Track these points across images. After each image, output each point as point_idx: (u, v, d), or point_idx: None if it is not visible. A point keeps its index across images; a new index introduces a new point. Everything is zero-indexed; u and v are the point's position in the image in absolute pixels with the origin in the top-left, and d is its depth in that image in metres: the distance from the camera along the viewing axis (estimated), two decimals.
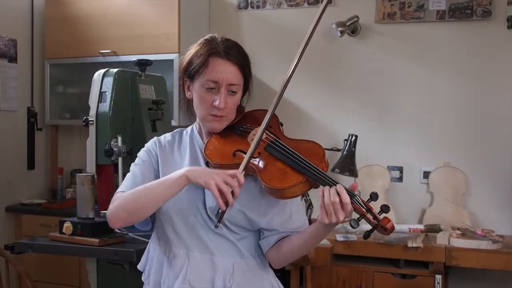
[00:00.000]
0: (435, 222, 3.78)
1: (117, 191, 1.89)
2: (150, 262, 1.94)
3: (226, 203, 1.64)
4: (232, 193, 1.64)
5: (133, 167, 1.94)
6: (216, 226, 1.72)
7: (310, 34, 1.85)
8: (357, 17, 4.13)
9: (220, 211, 1.68)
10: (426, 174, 4.06)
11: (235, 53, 1.83)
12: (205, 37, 1.88)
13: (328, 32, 4.19)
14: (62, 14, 4.51)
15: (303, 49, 1.85)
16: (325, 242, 3.50)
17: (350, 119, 4.23)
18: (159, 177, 1.87)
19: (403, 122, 4.14)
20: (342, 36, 4.12)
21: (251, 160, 1.77)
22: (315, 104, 4.34)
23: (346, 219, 1.67)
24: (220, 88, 1.80)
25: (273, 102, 1.80)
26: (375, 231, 1.69)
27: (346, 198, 1.64)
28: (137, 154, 1.98)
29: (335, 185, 1.67)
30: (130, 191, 1.80)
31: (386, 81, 4.17)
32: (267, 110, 1.83)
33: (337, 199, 1.63)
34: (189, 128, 1.99)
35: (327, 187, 1.67)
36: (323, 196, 1.66)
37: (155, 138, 1.99)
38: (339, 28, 4.06)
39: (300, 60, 1.84)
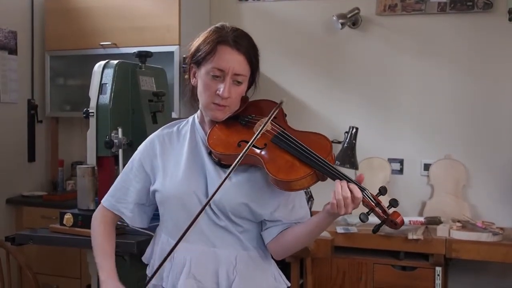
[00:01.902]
0: (436, 214, 3.79)
1: (102, 201, 2.03)
2: (154, 254, 1.95)
3: None
4: None
5: (122, 174, 2.01)
6: None
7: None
8: (358, 9, 4.12)
9: None
10: (426, 167, 4.07)
11: (245, 43, 1.81)
12: (215, 25, 1.87)
13: (328, 24, 4.18)
14: (62, 5, 4.50)
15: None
16: (325, 234, 3.50)
17: (351, 111, 4.23)
18: (152, 176, 1.92)
19: (403, 115, 4.13)
20: (342, 28, 4.10)
21: (257, 151, 1.76)
22: (316, 96, 4.33)
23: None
24: (225, 77, 1.78)
25: (279, 101, 1.81)
26: (384, 225, 1.70)
27: (358, 193, 1.64)
28: (132, 157, 2.01)
29: (345, 179, 1.67)
30: (94, 235, 2.02)
31: (387, 73, 4.17)
32: (271, 101, 1.83)
33: (349, 194, 1.64)
34: (190, 118, 1.98)
35: (337, 181, 1.67)
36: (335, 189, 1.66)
37: (152, 136, 1.99)
38: (340, 20, 4.05)
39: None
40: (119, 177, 2.01)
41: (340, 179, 1.67)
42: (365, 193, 1.67)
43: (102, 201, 2.02)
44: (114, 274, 1.87)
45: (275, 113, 1.81)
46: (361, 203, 1.68)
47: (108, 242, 1.97)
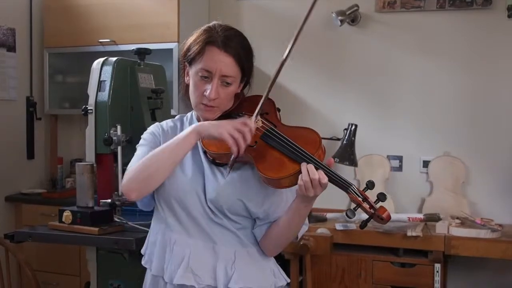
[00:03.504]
0: (435, 211, 3.78)
1: (128, 167, 1.88)
2: (152, 246, 1.94)
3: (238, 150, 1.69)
4: (244, 139, 1.69)
5: (138, 148, 1.93)
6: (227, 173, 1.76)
7: (305, 20, 1.85)
8: (357, 6, 4.12)
9: (232, 157, 1.72)
10: (425, 163, 4.06)
11: (234, 45, 1.81)
12: (208, 24, 1.87)
13: (328, 21, 4.18)
14: (61, 3, 4.49)
15: (296, 37, 1.85)
16: (324, 231, 3.51)
17: (350, 108, 4.22)
18: None
19: (403, 111, 4.13)
20: (342, 25, 4.10)
21: (248, 149, 1.76)
22: (315, 93, 4.33)
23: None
24: (213, 78, 1.79)
25: (266, 89, 1.80)
26: (372, 220, 1.69)
27: (324, 179, 1.67)
28: (141, 136, 1.97)
29: (331, 173, 1.69)
30: (140, 161, 1.80)
31: (386, 70, 4.17)
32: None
33: (317, 177, 1.66)
34: (189, 114, 2.00)
35: (304, 163, 1.69)
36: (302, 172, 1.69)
37: (157, 123, 1.99)
38: (339, 17, 4.05)
39: (293, 46, 1.83)
40: (136, 154, 1.92)
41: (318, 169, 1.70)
42: (352, 189, 1.68)
43: (128, 166, 1.89)
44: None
45: (262, 108, 1.80)
46: (349, 199, 1.70)
47: None
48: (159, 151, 1.77)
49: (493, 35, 3.92)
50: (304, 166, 1.68)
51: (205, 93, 1.80)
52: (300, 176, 1.68)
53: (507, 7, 3.84)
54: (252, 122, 1.72)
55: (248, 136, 1.68)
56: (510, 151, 3.90)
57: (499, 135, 3.93)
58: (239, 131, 1.68)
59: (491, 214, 3.81)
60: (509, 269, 3.89)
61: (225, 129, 1.69)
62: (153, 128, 1.97)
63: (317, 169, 1.68)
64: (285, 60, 1.80)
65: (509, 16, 3.84)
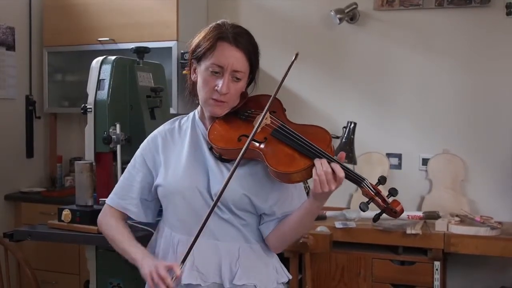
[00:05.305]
0: (434, 209, 3.79)
1: (107, 201, 2.02)
2: (157, 248, 1.96)
3: None
4: (165, 284, 1.70)
5: (125, 172, 2.02)
6: None
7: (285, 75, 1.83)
8: (355, 4, 4.12)
9: None
10: (425, 161, 4.07)
11: (244, 41, 1.84)
12: (216, 22, 1.89)
13: (326, 19, 4.18)
14: (60, 1, 4.50)
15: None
16: (324, 229, 3.51)
17: (349, 106, 4.23)
18: (155, 172, 1.94)
19: (402, 109, 4.13)
20: (340, 23, 4.10)
21: (257, 145, 1.79)
22: (314, 91, 4.33)
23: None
24: (224, 73, 1.81)
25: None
26: (384, 214, 1.73)
27: (341, 172, 1.69)
28: (135, 154, 2.02)
29: (344, 168, 1.71)
30: (108, 229, 1.99)
31: (385, 68, 4.17)
32: (270, 96, 1.84)
33: (330, 170, 1.69)
34: (190, 114, 2.01)
35: (317, 159, 1.71)
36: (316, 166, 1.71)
37: (155, 132, 2.02)
38: (338, 15, 4.05)
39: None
40: (122, 175, 2.03)
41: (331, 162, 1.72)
42: (365, 183, 1.71)
43: (107, 200, 2.02)
44: (148, 253, 1.88)
45: (272, 103, 1.81)
46: (361, 192, 1.72)
47: (127, 229, 1.97)
48: (118, 243, 1.95)
49: (492, 33, 3.93)
50: (318, 160, 1.71)
51: (216, 88, 1.81)
52: (314, 171, 1.70)
53: (506, 5, 3.83)
54: (179, 271, 1.71)
55: (170, 283, 1.70)
56: (509, 149, 3.90)
57: (498, 132, 3.93)
58: (160, 277, 1.71)
59: (490, 211, 3.82)
60: (508, 267, 3.89)
61: (150, 270, 1.74)
62: (146, 143, 2.01)
63: (330, 163, 1.71)
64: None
65: (507, 14, 3.83)
